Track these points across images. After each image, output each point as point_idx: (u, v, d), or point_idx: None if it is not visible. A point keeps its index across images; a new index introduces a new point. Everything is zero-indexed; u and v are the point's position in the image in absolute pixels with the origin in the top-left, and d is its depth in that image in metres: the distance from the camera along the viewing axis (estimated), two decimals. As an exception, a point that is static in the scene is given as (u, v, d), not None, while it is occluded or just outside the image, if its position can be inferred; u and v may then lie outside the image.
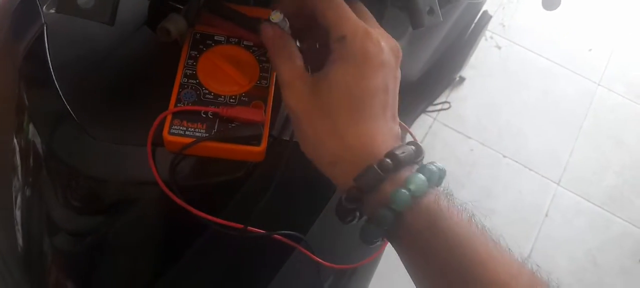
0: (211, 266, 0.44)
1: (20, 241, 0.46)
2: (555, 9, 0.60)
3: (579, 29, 1.78)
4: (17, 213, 0.46)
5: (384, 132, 0.33)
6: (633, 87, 1.68)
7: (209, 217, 0.40)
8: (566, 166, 1.51)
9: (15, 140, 0.45)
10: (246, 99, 0.40)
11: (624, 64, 1.73)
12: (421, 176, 0.31)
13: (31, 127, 0.44)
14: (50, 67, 0.43)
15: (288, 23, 0.37)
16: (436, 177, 0.32)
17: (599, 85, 1.67)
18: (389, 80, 0.34)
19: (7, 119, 0.46)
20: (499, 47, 1.69)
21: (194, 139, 0.38)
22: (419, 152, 0.33)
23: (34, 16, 0.46)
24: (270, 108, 0.41)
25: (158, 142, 0.39)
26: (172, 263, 0.43)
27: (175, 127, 0.38)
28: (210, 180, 0.42)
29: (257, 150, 0.39)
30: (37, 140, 0.43)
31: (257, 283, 0.45)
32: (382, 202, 0.31)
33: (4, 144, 0.46)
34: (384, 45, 0.34)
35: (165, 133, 0.38)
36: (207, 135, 0.38)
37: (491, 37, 1.70)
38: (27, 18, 0.48)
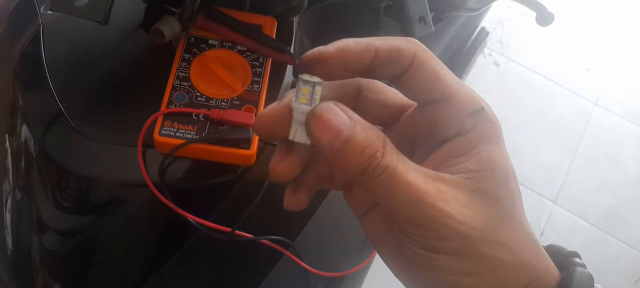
0: (198, 269, 0.44)
1: (9, 243, 0.46)
2: (548, 24, 0.60)
3: (576, 49, 1.79)
4: (7, 216, 0.46)
5: None
6: (630, 108, 1.69)
7: (197, 220, 0.40)
8: (562, 185, 1.51)
9: (7, 143, 0.45)
10: (238, 103, 0.41)
11: (621, 85, 1.74)
12: None
13: (24, 127, 0.44)
14: (46, 68, 0.43)
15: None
16: None
17: (596, 104, 1.68)
18: None
19: (1, 121, 0.46)
20: (497, 64, 1.70)
21: (184, 141, 0.38)
22: None
23: (31, 16, 0.47)
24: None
25: (149, 143, 0.39)
26: (159, 266, 0.43)
27: (166, 128, 0.39)
28: (199, 183, 0.42)
29: (247, 154, 0.39)
30: (30, 140, 0.43)
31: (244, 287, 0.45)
32: None
33: None
34: None
35: (155, 134, 0.38)
36: (198, 137, 0.39)
37: (490, 54, 1.71)
38: (24, 18, 0.48)
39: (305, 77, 0.21)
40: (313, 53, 0.22)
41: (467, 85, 0.24)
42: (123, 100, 0.43)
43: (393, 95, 0.26)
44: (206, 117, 0.39)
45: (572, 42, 1.79)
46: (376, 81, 0.25)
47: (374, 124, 0.26)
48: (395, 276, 0.25)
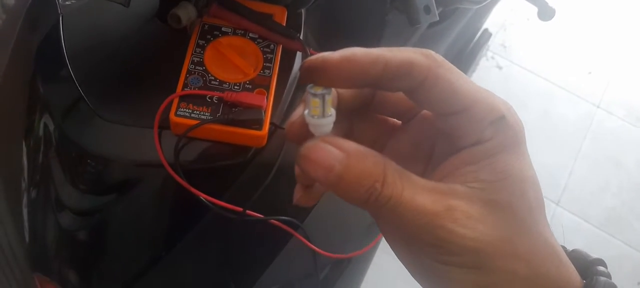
0: (210, 248, 0.46)
1: (26, 236, 0.48)
2: (550, 19, 0.62)
3: (579, 52, 1.80)
4: (24, 211, 0.47)
5: None
6: (632, 111, 1.70)
7: (210, 199, 0.41)
8: (565, 187, 1.52)
9: (24, 143, 0.47)
10: (250, 87, 0.42)
11: (624, 88, 1.75)
12: None
13: (45, 114, 0.46)
14: (65, 53, 0.45)
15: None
16: None
17: (598, 107, 1.69)
18: None
19: (18, 122, 0.48)
20: (500, 68, 1.71)
21: (199, 121, 0.40)
22: None
23: (50, 8, 0.49)
24: (273, 96, 0.42)
25: (165, 125, 0.41)
26: (172, 245, 0.44)
27: (182, 109, 0.40)
28: (212, 164, 0.43)
29: (259, 135, 0.41)
30: (50, 125, 0.45)
31: (254, 267, 0.46)
32: None
33: (14, 147, 0.49)
34: None
35: (172, 114, 0.40)
36: (212, 118, 0.40)
37: (492, 58, 1.72)
38: (43, 9, 0.50)
39: (313, 89, 0.20)
40: (316, 59, 0.20)
41: (487, 91, 0.22)
42: (140, 84, 0.45)
43: None
44: (220, 99, 0.41)
45: (574, 45, 1.81)
46: None
47: (393, 117, 0.25)
48: (413, 277, 0.25)
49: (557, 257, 0.22)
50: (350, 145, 0.20)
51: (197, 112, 0.40)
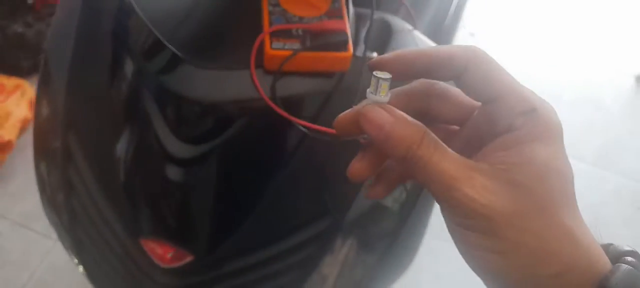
0: (308, 176, 0.49)
1: (127, 204, 0.51)
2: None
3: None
4: (123, 181, 0.51)
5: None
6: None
7: (306, 124, 0.45)
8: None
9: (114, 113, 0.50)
10: (326, 18, 0.46)
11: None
12: None
13: (134, 74, 0.48)
14: (142, 15, 0.47)
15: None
16: None
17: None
18: None
19: (103, 89, 0.51)
20: (472, 35, 1.81)
21: (292, 52, 0.44)
22: None
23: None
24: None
25: (256, 64, 0.45)
26: (273, 177, 0.47)
27: (275, 43, 0.44)
28: (302, 93, 0.47)
29: (345, 56, 0.45)
30: (143, 82, 0.48)
31: (349, 189, 0.50)
32: None
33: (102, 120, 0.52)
34: None
35: (267, 48, 0.44)
36: (303, 47, 0.44)
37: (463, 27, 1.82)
38: None
39: (377, 73, 0.26)
40: (377, 59, 0.27)
41: (524, 86, 0.25)
42: (220, 31, 0.48)
43: (463, 97, 0.28)
44: (305, 31, 0.45)
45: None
46: (449, 87, 0.29)
47: (449, 124, 0.31)
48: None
49: (573, 239, 0.24)
50: (399, 112, 0.25)
51: (289, 44, 0.44)
